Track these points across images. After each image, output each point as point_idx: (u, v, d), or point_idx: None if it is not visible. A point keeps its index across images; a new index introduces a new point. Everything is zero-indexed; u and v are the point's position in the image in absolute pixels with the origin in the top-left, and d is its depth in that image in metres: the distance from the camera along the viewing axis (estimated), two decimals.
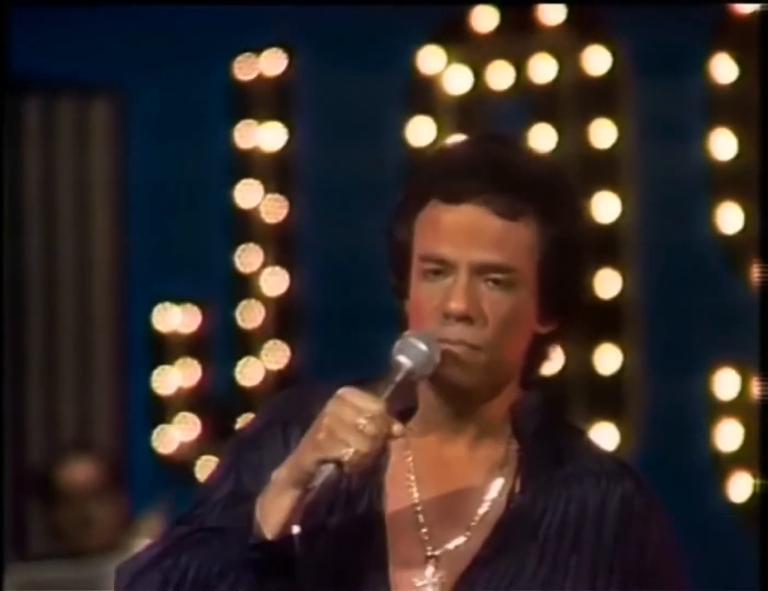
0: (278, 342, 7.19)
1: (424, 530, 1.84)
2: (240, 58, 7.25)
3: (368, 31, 6.80)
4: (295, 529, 1.76)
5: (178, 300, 7.17)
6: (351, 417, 1.69)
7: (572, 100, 7.03)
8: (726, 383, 6.62)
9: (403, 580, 1.81)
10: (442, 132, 7.01)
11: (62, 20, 6.80)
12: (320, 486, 1.70)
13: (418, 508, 1.85)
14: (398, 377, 1.77)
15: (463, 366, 1.78)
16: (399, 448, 1.86)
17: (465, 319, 1.77)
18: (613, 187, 6.90)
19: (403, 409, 1.84)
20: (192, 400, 7.22)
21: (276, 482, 1.74)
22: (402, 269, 1.87)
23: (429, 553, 1.83)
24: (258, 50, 7.28)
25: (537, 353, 1.90)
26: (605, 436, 6.73)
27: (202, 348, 7.29)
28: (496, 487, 1.86)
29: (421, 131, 7.03)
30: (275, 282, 7.25)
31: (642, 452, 6.59)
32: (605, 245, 6.89)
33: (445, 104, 7.11)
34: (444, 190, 1.83)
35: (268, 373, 7.06)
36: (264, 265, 7.26)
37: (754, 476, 5.51)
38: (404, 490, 1.86)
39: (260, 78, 7.31)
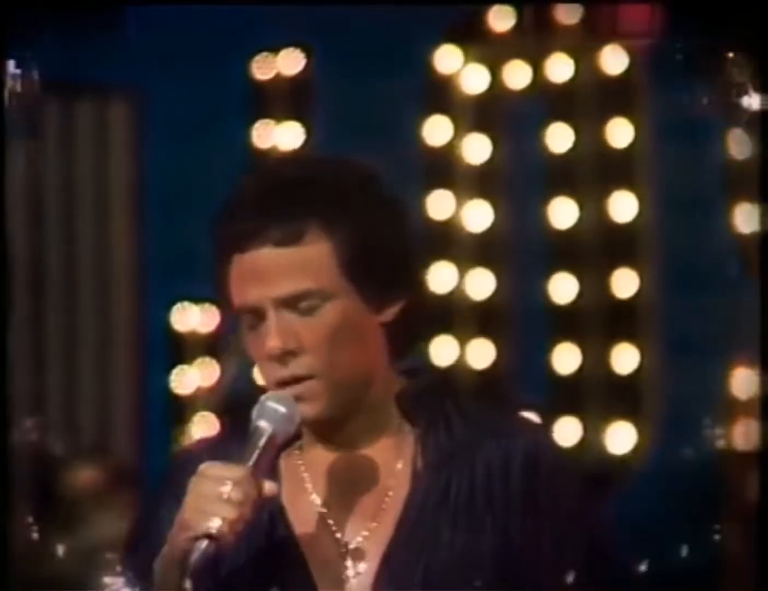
0: None
1: (334, 528, 1.90)
2: (258, 57, 7.27)
3: (385, 30, 6.82)
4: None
5: (196, 300, 7.19)
6: (212, 489, 1.73)
7: (589, 100, 7.04)
8: (743, 382, 6.63)
9: (326, 580, 1.87)
10: (459, 131, 7.03)
11: (80, 21, 6.83)
12: (196, 561, 1.72)
13: (323, 511, 1.91)
14: (261, 442, 1.80)
15: (307, 401, 1.83)
16: (291, 466, 1.94)
17: (286, 354, 1.81)
18: (630, 186, 6.92)
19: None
20: (211, 400, 7.24)
21: (162, 559, 1.80)
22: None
23: (343, 549, 1.88)
24: (275, 50, 7.30)
25: (399, 338, 1.93)
26: (623, 434, 6.75)
27: (221, 347, 7.31)
28: (397, 472, 1.91)
29: (438, 130, 7.05)
30: None
31: (659, 451, 6.59)
32: (622, 244, 6.91)
33: (462, 104, 7.12)
34: (233, 245, 1.89)
35: None
36: None
37: None
38: (305, 500, 1.93)
39: (278, 78, 7.33)
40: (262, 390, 1.87)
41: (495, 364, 6.89)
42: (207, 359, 7.27)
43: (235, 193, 1.97)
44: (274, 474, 1.89)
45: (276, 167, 1.98)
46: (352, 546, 1.88)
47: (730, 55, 6.56)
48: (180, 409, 7.26)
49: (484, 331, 6.87)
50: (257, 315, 1.85)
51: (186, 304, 7.22)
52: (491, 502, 1.86)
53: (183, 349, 7.31)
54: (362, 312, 1.84)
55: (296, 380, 1.83)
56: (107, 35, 6.99)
